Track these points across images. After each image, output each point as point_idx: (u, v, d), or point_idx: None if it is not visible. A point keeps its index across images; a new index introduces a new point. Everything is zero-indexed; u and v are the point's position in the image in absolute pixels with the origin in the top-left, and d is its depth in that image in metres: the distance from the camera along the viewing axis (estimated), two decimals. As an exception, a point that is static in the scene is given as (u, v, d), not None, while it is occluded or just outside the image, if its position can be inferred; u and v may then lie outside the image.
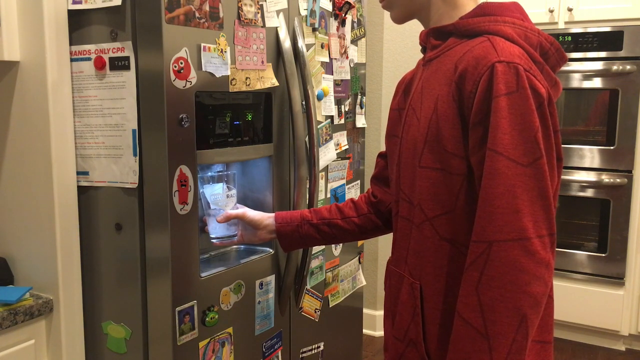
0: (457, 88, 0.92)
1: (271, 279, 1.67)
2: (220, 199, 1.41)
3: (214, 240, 1.46)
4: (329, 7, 1.85)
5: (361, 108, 2.12)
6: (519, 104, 0.86)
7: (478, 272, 0.87)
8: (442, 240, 0.97)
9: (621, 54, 2.95)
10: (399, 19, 1.09)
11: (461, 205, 0.94)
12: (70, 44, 1.39)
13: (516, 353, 0.86)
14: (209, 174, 1.48)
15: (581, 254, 3.12)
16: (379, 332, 3.31)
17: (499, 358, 0.86)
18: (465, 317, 0.89)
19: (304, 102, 1.68)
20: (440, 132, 0.94)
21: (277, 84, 1.60)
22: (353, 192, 2.10)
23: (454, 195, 0.95)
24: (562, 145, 3.11)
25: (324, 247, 1.91)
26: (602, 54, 2.99)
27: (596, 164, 3.05)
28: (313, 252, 1.83)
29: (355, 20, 2.03)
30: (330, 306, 1.99)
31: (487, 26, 0.94)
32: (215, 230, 1.45)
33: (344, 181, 2.02)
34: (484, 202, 0.87)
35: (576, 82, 3.07)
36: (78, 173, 1.43)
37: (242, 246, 1.71)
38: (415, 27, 3.19)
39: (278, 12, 1.60)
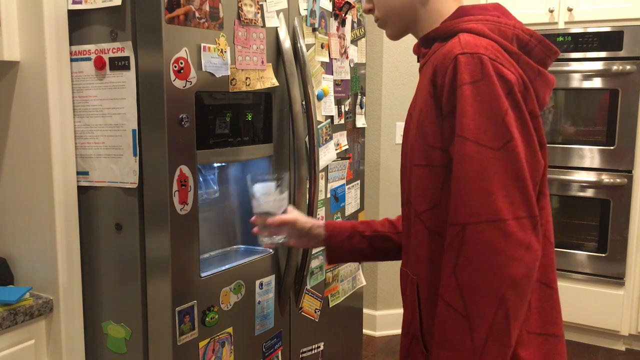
0: (432, 85, 0.95)
1: (271, 279, 1.67)
2: (272, 201, 1.35)
3: (263, 243, 1.38)
4: (329, 7, 1.85)
5: (361, 108, 2.12)
6: (485, 91, 0.88)
7: (455, 254, 0.89)
8: (431, 234, 0.98)
9: (621, 54, 2.94)
10: (394, 36, 1.13)
11: (445, 198, 0.96)
12: (70, 44, 1.39)
13: (498, 334, 0.86)
14: (261, 175, 1.41)
15: (581, 254, 3.12)
16: (379, 332, 3.31)
17: (479, 339, 0.86)
18: (446, 299, 0.90)
19: (304, 102, 1.68)
20: (424, 128, 0.97)
21: (277, 84, 1.60)
22: (353, 192, 2.10)
23: (439, 188, 0.97)
24: (562, 146, 3.11)
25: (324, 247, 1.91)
26: (602, 54, 2.99)
27: (596, 164, 3.05)
28: (313, 252, 1.83)
29: (355, 20, 2.03)
30: (330, 306, 1.99)
31: (461, 26, 0.98)
32: (265, 232, 1.36)
33: (344, 181, 2.02)
34: (456, 186, 0.89)
35: (576, 82, 3.07)
36: (78, 173, 1.43)
37: (242, 246, 1.71)
38: (415, 27, 3.18)
39: (278, 12, 1.60)
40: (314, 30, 1.77)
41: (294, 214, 1.34)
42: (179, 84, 1.31)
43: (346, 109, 2.02)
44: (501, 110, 0.88)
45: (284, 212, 1.34)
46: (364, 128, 2.16)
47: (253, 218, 1.32)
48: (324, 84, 1.85)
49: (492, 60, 0.90)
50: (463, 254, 0.87)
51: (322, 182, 1.88)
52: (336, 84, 1.93)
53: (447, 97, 0.92)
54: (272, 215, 1.32)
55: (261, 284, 1.63)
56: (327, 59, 1.86)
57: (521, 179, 0.87)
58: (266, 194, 1.33)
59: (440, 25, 1.02)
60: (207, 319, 1.43)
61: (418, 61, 1.14)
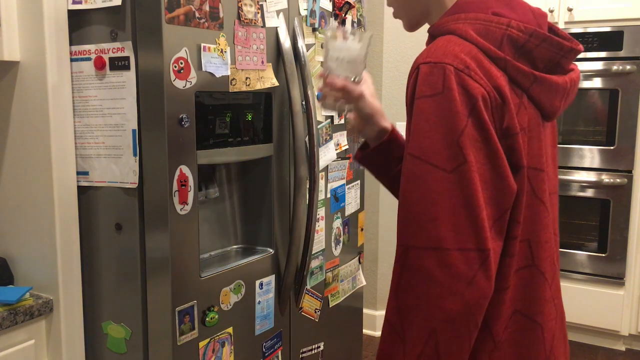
0: (406, 92, 0.90)
1: (271, 279, 1.67)
2: (344, 63, 1.19)
3: (326, 107, 1.24)
4: (329, 7, 1.85)
5: (361, 108, 2.12)
6: (443, 106, 0.81)
7: (397, 276, 0.85)
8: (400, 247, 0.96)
9: (621, 54, 2.94)
10: (409, 27, 1.08)
11: None
12: (70, 44, 1.39)
13: None
14: (337, 33, 1.24)
15: (581, 254, 3.12)
16: (379, 332, 3.31)
17: None
18: (388, 317, 0.87)
19: (304, 102, 1.68)
20: (405, 137, 0.93)
21: (277, 84, 1.60)
22: (353, 192, 2.10)
23: None
24: (562, 146, 3.11)
25: (324, 247, 1.91)
26: (602, 54, 2.99)
27: (596, 164, 3.05)
28: (313, 252, 1.83)
29: (355, 20, 2.03)
30: (330, 306, 1.99)
31: (448, 26, 0.91)
32: (332, 96, 1.20)
33: (344, 181, 2.02)
34: (402, 207, 0.84)
35: (576, 82, 3.06)
36: (78, 173, 1.43)
37: (242, 246, 1.71)
38: (415, 27, 3.18)
39: (278, 12, 1.60)
40: (314, 30, 1.77)
41: (363, 88, 1.15)
42: (179, 84, 1.31)
43: (346, 109, 2.01)
44: (457, 129, 0.80)
45: (358, 80, 1.17)
46: (364, 128, 2.16)
47: (322, 83, 1.16)
48: (324, 84, 1.85)
49: (459, 72, 0.81)
50: (404, 277, 0.83)
51: (322, 182, 1.88)
52: (336, 84, 1.93)
53: (409, 108, 0.86)
54: (340, 77, 1.16)
55: (261, 284, 1.63)
56: (327, 59, 1.86)
57: (472, 207, 0.79)
58: (340, 51, 1.17)
59: (437, 22, 0.95)
60: (207, 319, 1.43)
61: None
